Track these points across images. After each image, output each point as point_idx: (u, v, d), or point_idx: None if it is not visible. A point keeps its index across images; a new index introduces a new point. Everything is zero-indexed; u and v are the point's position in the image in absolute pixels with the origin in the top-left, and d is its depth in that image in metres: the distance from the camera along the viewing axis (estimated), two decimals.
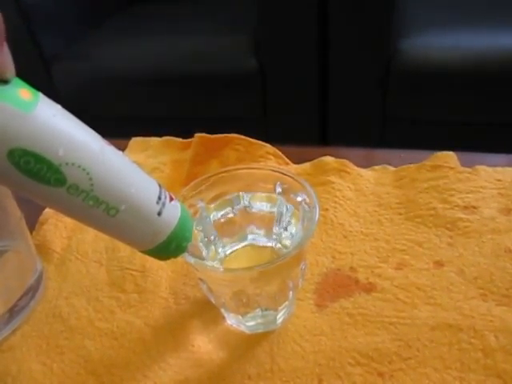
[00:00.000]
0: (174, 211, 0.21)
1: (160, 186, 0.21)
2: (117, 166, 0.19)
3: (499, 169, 0.36)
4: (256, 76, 0.97)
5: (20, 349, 0.28)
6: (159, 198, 0.20)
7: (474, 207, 0.33)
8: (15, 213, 0.30)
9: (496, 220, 0.32)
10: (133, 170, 0.20)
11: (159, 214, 0.20)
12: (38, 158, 0.16)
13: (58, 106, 0.17)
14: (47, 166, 0.16)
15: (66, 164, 0.16)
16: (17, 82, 0.16)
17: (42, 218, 0.37)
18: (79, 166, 0.17)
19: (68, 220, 0.36)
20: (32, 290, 0.30)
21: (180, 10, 1.17)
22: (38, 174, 0.16)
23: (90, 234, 0.35)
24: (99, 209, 0.18)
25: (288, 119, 1.04)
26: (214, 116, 1.03)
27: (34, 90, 0.16)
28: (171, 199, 0.21)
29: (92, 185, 0.17)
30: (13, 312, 0.29)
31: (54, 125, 0.16)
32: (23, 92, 0.16)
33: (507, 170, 0.36)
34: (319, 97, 0.98)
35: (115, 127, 0.82)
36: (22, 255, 0.31)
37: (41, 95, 0.17)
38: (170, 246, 0.22)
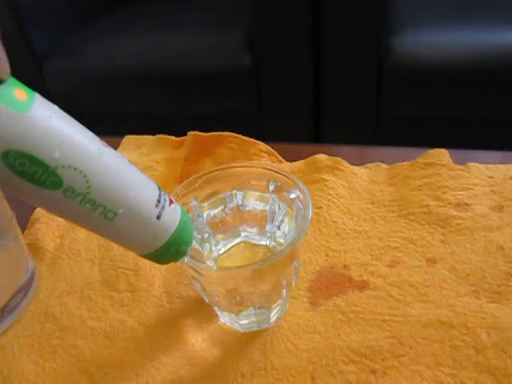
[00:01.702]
0: (173, 215, 0.21)
1: (160, 188, 0.21)
2: (115, 168, 0.18)
3: (491, 166, 0.36)
4: (250, 74, 0.97)
5: (11, 348, 0.28)
6: (158, 201, 0.20)
7: (467, 204, 0.33)
8: (6, 212, 0.30)
9: (488, 217, 0.32)
10: (131, 172, 0.19)
11: (158, 217, 0.20)
12: (34, 160, 0.15)
13: (55, 107, 0.17)
14: (43, 168, 0.16)
15: (62, 166, 0.16)
16: (12, 81, 0.15)
17: (33, 216, 0.37)
18: (75, 169, 0.16)
19: (60, 219, 0.36)
20: (24, 290, 0.30)
21: (174, 7, 1.16)
22: (33, 177, 0.16)
23: (83, 232, 0.35)
24: (96, 212, 0.18)
25: (282, 117, 1.04)
26: (207, 114, 1.02)
27: (29, 90, 0.16)
28: (171, 202, 0.21)
29: (89, 187, 0.17)
30: (4, 311, 0.29)
31: (49, 126, 0.16)
32: (18, 92, 0.15)
33: (499, 167, 0.36)
34: (313, 95, 0.98)
35: (108, 125, 0.81)
36: (14, 254, 0.31)
37: (37, 95, 0.16)
38: (170, 250, 0.21)
